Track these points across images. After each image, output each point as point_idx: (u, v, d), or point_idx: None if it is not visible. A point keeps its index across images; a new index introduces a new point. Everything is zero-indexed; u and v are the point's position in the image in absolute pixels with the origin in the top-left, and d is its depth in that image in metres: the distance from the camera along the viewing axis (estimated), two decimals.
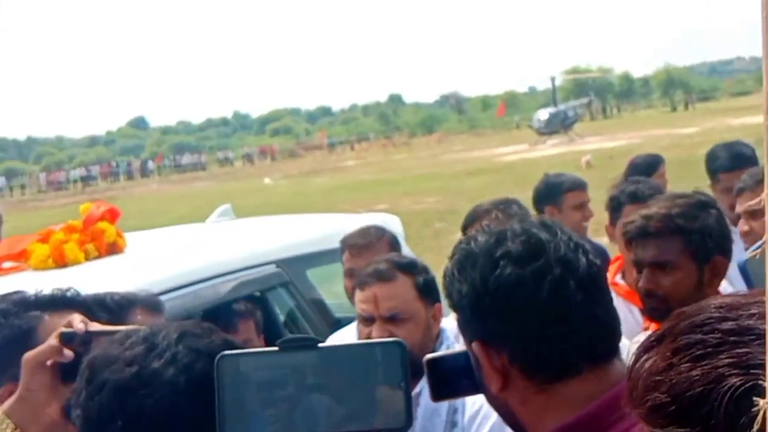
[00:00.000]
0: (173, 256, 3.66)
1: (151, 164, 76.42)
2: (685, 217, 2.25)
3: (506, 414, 1.37)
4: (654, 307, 2.31)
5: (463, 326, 1.37)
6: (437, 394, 1.55)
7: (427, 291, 2.41)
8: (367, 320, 2.39)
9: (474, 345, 1.32)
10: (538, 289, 1.26)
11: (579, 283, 1.28)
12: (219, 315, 3.17)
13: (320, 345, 1.07)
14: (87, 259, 3.40)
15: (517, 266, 1.27)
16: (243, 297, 3.37)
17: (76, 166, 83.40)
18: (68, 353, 1.60)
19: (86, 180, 67.19)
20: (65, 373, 1.44)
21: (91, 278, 2.97)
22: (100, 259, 3.44)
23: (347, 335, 3.45)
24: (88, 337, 1.63)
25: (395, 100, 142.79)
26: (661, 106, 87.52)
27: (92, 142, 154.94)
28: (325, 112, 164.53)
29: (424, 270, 2.48)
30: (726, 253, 2.29)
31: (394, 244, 3.39)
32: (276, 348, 1.07)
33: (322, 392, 1.04)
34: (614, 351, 1.32)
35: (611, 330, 1.31)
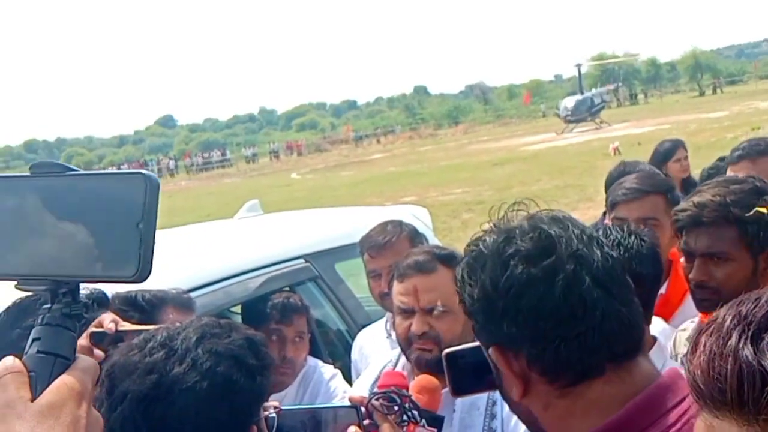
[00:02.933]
0: (203, 253, 3.68)
1: (173, 163, 76.72)
2: (741, 206, 2.14)
3: (530, 421, 1.31)
4: (705, 298, 2.23)
5: (479, 332, 1.30)
6: (457, 390, 1.50)
7: None
8: (407, 312, 2.35)
9: (491, 351, 1.27)
10: (551, 288, 1.20)
11: (594, 278, 1.21)
12: (271, 307, 3.16)
13: (68, 173, 0.91)
14: None
15: (528, 265, 1.21)
16: (272, 292, 3.37)
17: (106, 166, 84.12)
18: (99, 353, 1.59)
19: None
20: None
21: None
22: None
23: (377, 330, 3.44)
24: (119, 336, 1.63)
25: (420, 91, 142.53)
26: (689, 91, 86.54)
27: (121, 141, 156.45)
28: (351, 105, 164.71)
29: None
30: None
31: (413, 238, 3.32)
32: (26, 174, 0.92)
33: (58, 227, 0.89)
34: (638, 348, 1.25)
35: (633, 326, 1.24)
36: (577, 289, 1.20)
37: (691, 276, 2.24)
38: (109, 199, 0.89)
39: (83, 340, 1.72)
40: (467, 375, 1.48)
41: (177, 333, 1.41)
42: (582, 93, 51.48)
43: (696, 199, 2.23)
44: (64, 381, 0.84)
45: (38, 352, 0.87)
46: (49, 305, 0.90)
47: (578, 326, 1.20)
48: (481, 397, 2.28)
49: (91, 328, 1.59)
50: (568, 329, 1.20)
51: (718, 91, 75.75)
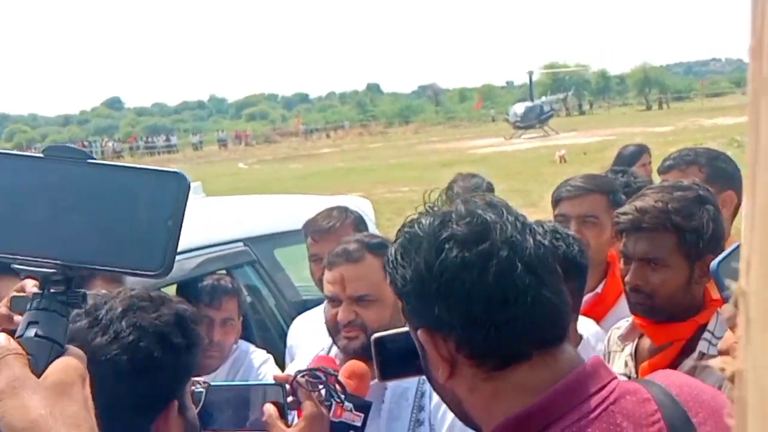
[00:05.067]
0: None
1: (118, 145, 75.70)
2: (682, 214, 2.15)
3: (454, 403, 1.32)
4: (639, 302, 2.25)
5: (408, 313, 1.31)
6: (384, 374, 1.50)
7: None
8: (334, 301, 2.36)
9: (419, 332, 1.27)
10: (484, 273, 1.20)
11: (527, 265, 1.22)
12: (201, 289, 3.12)
13: (90, 161, 0.90)
14: None
15: (463, 249, 1.22)
16: (208, 274, 3.33)
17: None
18: (18, 320, 1.56)
19: None
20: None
21: None
22: None
23: (314, 317, 3.41)
24: None
25: (373, 89, 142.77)
26: (637, 104, 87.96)
27: (66, 121, 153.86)
28: (303, 98, 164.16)
29: None
30: (718, 251, 2.11)
31: (358, 224, 3.32)
32: (41, 155, 0.91)
33: (77, 214, 0.88)
34: (564, 335, 1.28)
35: (560, 313, 1.26)
36: (510, 275, 1.21)
37: (627, 279, 2.26)
38: (140, 193, 0.89)
39: (2, 307, 1.67)
40: (395, 360, 1.48)
41: (103, 302, 1.37)
42: (532, 100, 52.01)
43: (638, 203, 2.23)
44: (68, 363, 0.85)
45: (36, 335, 0.86)
46: (41, 291, 0.89)
47: (509, 312, 1.21)
48: (410, 388, 2.29)
49: (12, 293, 1.53)
50: (499, 314, 1.21)
51: (665, 106, 77.03)
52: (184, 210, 0.90)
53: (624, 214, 2.25)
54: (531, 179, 21.71)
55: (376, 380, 2.46)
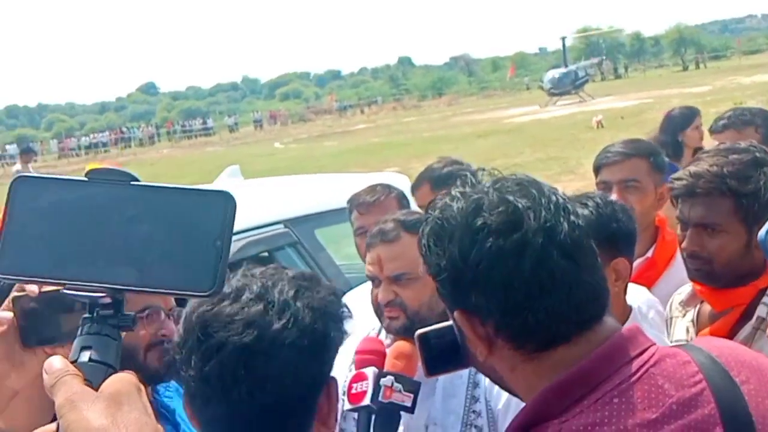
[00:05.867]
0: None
1: (155, 130, 76.27)
2: (738, 178, 2.10)
3: (496, 378, 1.34)
4: (697, 268, 2.21)
5: (444, 297, 1.31)
6: (431, 370, 1.50)
7: None
8: (375, 281, 2.37)
9: (456, 314, 1.29)
10: (520, 262, 1.21)
11: (562, 250, 1.22)
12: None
13: (134, 183, 0.90)
14: None
15: (497, 239, 1.22)
16: (251, 257, 3.35)
17: (87, 133, 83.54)
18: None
19: (97, 146, 67.21)
20: (27, 337, 1.36)
21: None
22: None
23: (362, 294, 3.43)
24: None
25: (405, 62, 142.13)
26: (672, 66, 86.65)
27: (103, 108, 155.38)
28: (335, 75, 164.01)
29: None
30: None
31: (401, 200, 3.35)
32: (84, 178, 0.91)
33: (123, 236, 0.88)
34: (603, 311, 1.28)
35: (599, 292, 1.27)
36: (546, 262, 1.21)
37: (684, 245, 2.22)
38: (186, 214, 0.89)
39: (5, 308, 1.69)
40: (440, 354, 1.48)
41: (271, 285, 1.40)
42: (566, 66, 51.41)
43: (693, 168, 2.19)
44: (122, 376, 0.84)
45: (90, 360, 0.86)
46: (90, 315, 0.89)
47: (547, 298, 1.21)
48: (462, 376, 2.27)
49: (14, 293, 1.51)
50: (536, 301, 1.21)
51: (702, 66, 75.78)
52: (232, 229, 0.90)
53: (678, 179, 2.22)
54: (568, 146, 21.50)
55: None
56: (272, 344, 1.31)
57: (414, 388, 2.04)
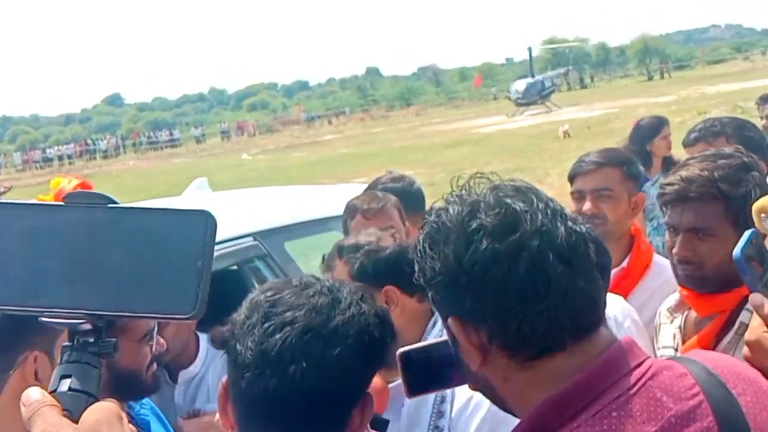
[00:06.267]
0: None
1: (120, 142, 75.79)
2: (729, 182, 2.11)
3: (487, 390, 1.31)
4: (688, 274, 2.20)
5: (438, 303, 1.29)
6: (413, 390, 1.47)
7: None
8: None
9: (450, 321, 1.26)
10: (515, 265, 1.18)
11: (559, 254, 1.20)
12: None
13: (111, 206, 0.88)
14: None
15: (493, 241, 1.19)
16: (219, 271, 3.30)
17: (52, 145, 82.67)
18: None
19: (62, 159, 66.53)
20: None
21: None
22: None
23: None
24: None
25: (372, 73, 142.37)
26: (638, 75, 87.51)
27: (68, 120, 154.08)
28: (302, 86, 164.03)
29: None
30: None
31: (399, 209, 3.34)
32: (60, 203, 0.89)
33: (102, 261, 0.86)
34: (599, 321, 1.25)
35: (595, 300, 1.24)
36: (542, 266, 1.19)
37: (675, 251, 2.22)
38: (165, 235, 0.88)
39: None
40: (422, 374, 1.45)
41: (339, 285, 1.44)
42: (533, 76, 51.79)
43: (683, 173, 2.19)
44: (103, 405, 0.83)
45: (70, 389, 0.84)
46: (71, 343, 0.87)
47: (542, 303, 1.19)
48: (431, 394, 2.26)
49: None
50: (531, 306, 1.19)
51: (667, 75, 76.72)
52: (212, 249, 0.88)
53: (669, 184, 2.22)
54: (535, 156, 21.64)
55: (395, 383, 2.44)
56: (334, 333, 1.34)
57: (382, 428, 2.00)
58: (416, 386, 1.47)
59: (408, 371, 1.45)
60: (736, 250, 1.46)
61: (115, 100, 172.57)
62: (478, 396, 2.17)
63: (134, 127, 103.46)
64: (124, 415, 0.83)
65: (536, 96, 48.10)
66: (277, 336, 1.33)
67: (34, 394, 0.83)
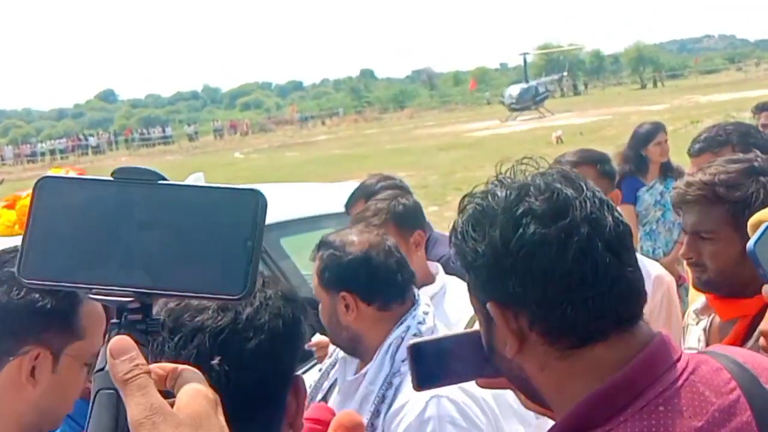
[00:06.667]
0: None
1: (113, 138, 75.58)
2: (727, 186, 2.13)
3: (520, 380, 1.29)
4: (697, 276, 2.23)
5: (477, 287, 1.27)
6: (421, 383, 1.45)
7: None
8: None
9: (489, 306, 1.23)
10: (563, 251, 1.17)
11: (607, 243, 1.19)
12: None
13: (161, 182, 0.86)
14: None
15: (542, 225, 1.18)
16: None
17: (44, 139, 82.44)
18: None
19: (54, 153, 66.33)
20: None
21: None
22: None
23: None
24: None
25: (367, 75, 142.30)
26: (631, 83, 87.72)
27: (60, 114, 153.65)
28: (296, 86, 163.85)
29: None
30: None
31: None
32: (109, 178, 0.86)
33: (148, 239, 0.84)
34: (640, 314, 1.25)
35: (638, 291, 1.24)
36: (590, 253, 1.18)
37: (681, 252, 2.29)
38: (215, 213, 0.85)
39: None
40: (432, 367, 1.42)
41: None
42: (527, 82, 51.85)
43: (689, 177, 2.25)
44: (199, 390, 0.80)
45: None
46: (118, 320, 0.84)
47: (588, 291, 1.18)
48: (374, 392, 2.30)
49: None
50: (577, 294, 1.18)
51: (660, 84, 76.91)
52: (262, 229, 0.85)
53: (675, 188, 2.29)
54: None
55: (351, 377, 2.46)
56: (247, 325, 1.31)
57: None
58: (424, 379, 1.44)
59: (417, 364, 1.43)
60: (750, 243, 1.46)
61: (108, 96, 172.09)
62: (413, 402, 2.20)
63: (127, 123, 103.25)
64: (218, 400, 0.81)
65: (530, 101, 48.15)
66: (191, 346, 1.29)
67: (127, 347, 0.79)
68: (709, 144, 3.56)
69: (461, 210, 1.29)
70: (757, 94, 27.61)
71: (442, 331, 2.58)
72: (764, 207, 2.09)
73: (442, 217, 12.60)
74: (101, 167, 42.44)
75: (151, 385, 0.77)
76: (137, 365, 0.78)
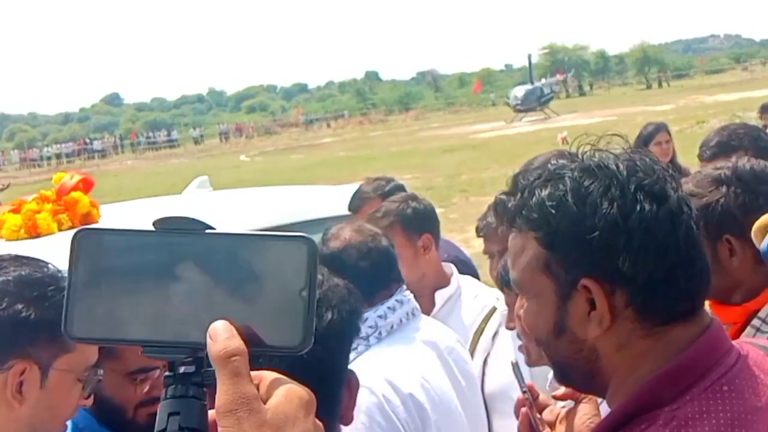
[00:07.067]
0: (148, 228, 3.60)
1: (119, 141, 75.76)
2: (692, 194, 2.07)
3: (587, 361, 1.27)
4: None
5: (571, 261, 1.22)
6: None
7: None
8: None
9: (586, 282, 1.21)
10: (674, 230, 1.20)
11: (697, 224, 1.24)
12: None
13: (208, 231, 0.82)
14: (60, 229, 3.33)
15: (655, 203, 1.19)
16: None
17: (50, 143, 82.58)
18: None
19: (60, 157, 66.46)
20: None
21: (65, 249, 2.91)
22: (73, 230, 3.36)
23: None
24: None
25: (371, 76, 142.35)
26: (636, 84, 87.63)
27: (66, 118, 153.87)
28: (301, 89, 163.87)
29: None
30: (737, 230, 2.07)
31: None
32: (153, 229, 0.83)
33: (200, 293, 0.81)
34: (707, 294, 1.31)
35: (708, 274, 1.27)
36: (693, 233, 1.23)
37: None
38: (266, 263, 0.81)
39: None
40: None
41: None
42: (532, 83, 51.87)
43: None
44: (294, 390, 0.77)
45: (181, 428, 0.78)
46: (171, 373, 0.81)
47: (690, 269, 1.22)
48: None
49: None
50: (683, 271, 1.21)
51: (665, 84, 76.79)
52: (316, 278, 0.81)
53: None
54: None
55: None
56: (319, 303, 1.33)
57: None
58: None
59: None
60: (763, 245, 1.54)
61: (113, 100, 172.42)
62: None
63: (132, 127, 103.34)
64: (313, 401, 0.78)
65: (535, 102, 48.15)
66: None
67: (226, 327, 0.77)
68: (722, 149, 3.54)
69: (552, 180, 1.24)
70: (763, 93, 27.57)
71: (450, 334, 2.59)
72: (727, 215, 2.10)
73: (447, 219, 12.60)
74: (107, 171, 42.54)
75: (246, 373, 0.75)
76: (235, 349, 0.75)
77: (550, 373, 2.39)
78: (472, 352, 2.80)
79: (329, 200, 3.56)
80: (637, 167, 1.22)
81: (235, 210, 4.07)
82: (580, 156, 1.26)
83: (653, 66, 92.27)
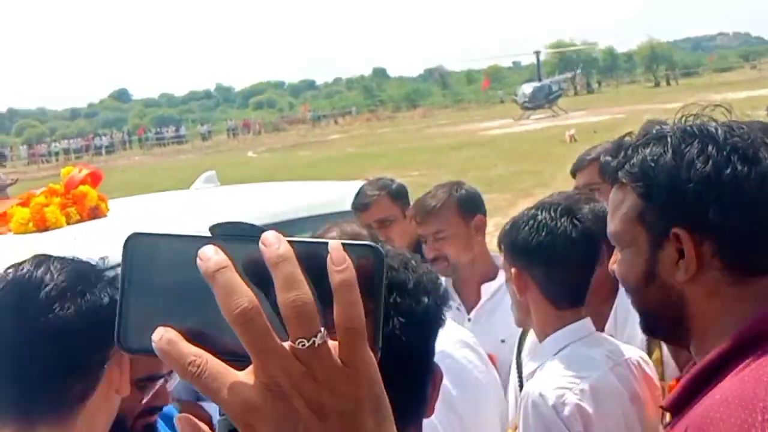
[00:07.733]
0: (156, 222, 3.62)
1: (127, 137, 75.83)
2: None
3: (675, 306, 1.39)
4: None
5: (664, 211, 1.37)
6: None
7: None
8: None
9: (677, 230, 1.34)
10: (764, 189, 1.32)
11: None
12: None
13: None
14: (69, 223, 3.35)
15: (748, 164, 1.32)
16: None
17: (58, 139, 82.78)
18: None
19: (68, 153, 66.60)
20: None
21: (73, 242, 2.93)
22: (82, 223, 3.39)
23: None
24: None
25: (379, 73, 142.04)
26: (645, 81, 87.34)
27: (74, 114, 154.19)
28: (309, 85, 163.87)
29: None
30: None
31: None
32: (209, 235, 0.76)
33: (263, 301, 0.73)
34: None
35: None
36: None
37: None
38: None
39: None
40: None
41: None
42: (540, 80, 51.71)
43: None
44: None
45: None
46: None
47: None
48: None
49: None
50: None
51: (673, 82, 76.57)
52: (382, 289, 0.75)
53: None
54: (541, 160, 21.61)
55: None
56: (416, 289, 1.35)
57: None
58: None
59: None
60: None
61: (121, 96, 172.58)
62: None
63: (140, 122, 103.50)
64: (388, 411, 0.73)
65: (543, 100, 48.04)
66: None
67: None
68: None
69: (656, 138, 1.39)
70: None
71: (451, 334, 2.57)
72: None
73: None
74: (115, 166, 42.60)
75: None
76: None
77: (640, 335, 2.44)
78: (519, 349, 2.68)
79: (336, 196, 3.56)
80: (734, 132, 1.34)
81: (241, 205, 4.08)
82: (682, 121, 1.41)
83: (662, 64, 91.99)
